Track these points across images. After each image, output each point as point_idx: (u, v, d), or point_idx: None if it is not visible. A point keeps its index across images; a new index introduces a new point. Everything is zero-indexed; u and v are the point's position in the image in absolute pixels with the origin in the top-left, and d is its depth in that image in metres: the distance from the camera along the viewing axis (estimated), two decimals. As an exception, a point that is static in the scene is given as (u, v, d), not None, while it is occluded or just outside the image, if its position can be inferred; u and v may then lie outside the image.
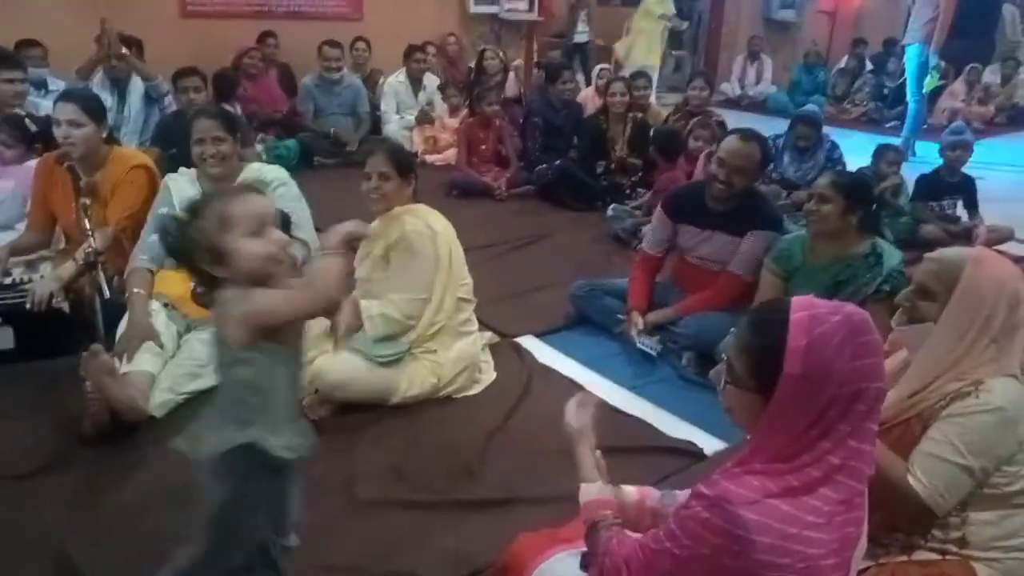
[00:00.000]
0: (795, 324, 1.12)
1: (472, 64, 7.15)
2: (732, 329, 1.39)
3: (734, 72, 10.26)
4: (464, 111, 6.17)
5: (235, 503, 1.47)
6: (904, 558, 1.59)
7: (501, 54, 7.02)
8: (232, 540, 1.50)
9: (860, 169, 4.66)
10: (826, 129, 5.31)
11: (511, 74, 6.89)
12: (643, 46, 8.01)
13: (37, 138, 3.43)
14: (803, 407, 1.11)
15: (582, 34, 8.85)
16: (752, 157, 3.00)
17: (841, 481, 1.12)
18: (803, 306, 1.14)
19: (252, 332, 1.39)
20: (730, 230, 3.07)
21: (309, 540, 2.01)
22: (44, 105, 4.08)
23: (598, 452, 1.50)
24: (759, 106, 9.68)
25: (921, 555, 1.58)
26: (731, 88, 10.14)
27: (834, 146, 5.12)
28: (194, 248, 1.43)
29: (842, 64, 10.24)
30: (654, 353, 3.05)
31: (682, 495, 1.58)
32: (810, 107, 5.59)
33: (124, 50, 4.98)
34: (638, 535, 1.33)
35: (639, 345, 3.07)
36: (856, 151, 5.58)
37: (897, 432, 1.61)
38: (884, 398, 1.15)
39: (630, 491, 1.55)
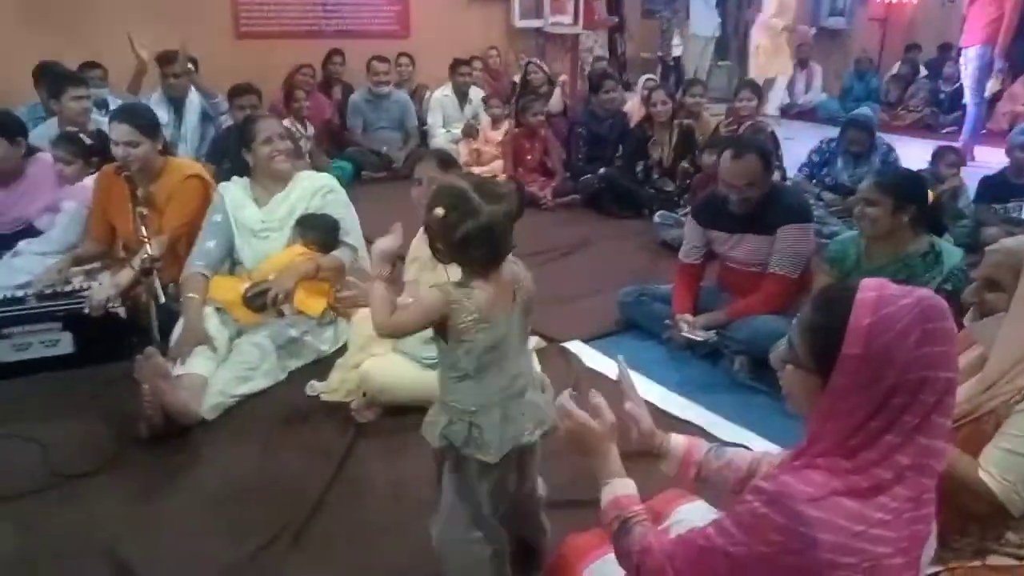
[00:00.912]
0: (860, 303, 1.06)
1: (516, 78, 7.18)
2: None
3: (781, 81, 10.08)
4: (506, 124, 6.21)
5: None
6: (977, 563, 1.51)
7: (545, 67, 7.04)
8: None
9: (919, 171, 4.52)
10: (879, 136, 5.17)
11: (556, 89, 6.90)
12: (762, 61, 8.43)
13: (93, 152, 3.53)
14: (863, 392, 1.05)
15: (678, 47, 8.87)
16: (753, 169, 2.95)
17: (911, 478, 1.06)
18: (872, 287, 1.09)
19: None
20: (759, 230, 3.02)
21: (357, 541, 2.02)
22: (106, 123, 4.22)
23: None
24: (809, 114, 9.51)
25: (995, 560, 1.50)
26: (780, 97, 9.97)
27: (889, 149, 4.97)
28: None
29: (895, 70, 10.00)
30: (702, 339, 3.00)
31: (733, 451, 1.53)
32: (863, 110, 5.44)
33: (190, 66, 5.11)
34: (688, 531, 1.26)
35: (687, 335, 3.02)
36: (911, 157, 5.42)
37: (968, 429, 1.53)
38: (955, 390, 1.08)
39: (678, 441, 1.52)
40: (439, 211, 1.50)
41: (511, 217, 1.53)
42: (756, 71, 8.46)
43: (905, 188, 2.64)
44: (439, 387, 1.66)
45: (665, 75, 8.38)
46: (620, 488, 1.32)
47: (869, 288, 1.08)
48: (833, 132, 5.46)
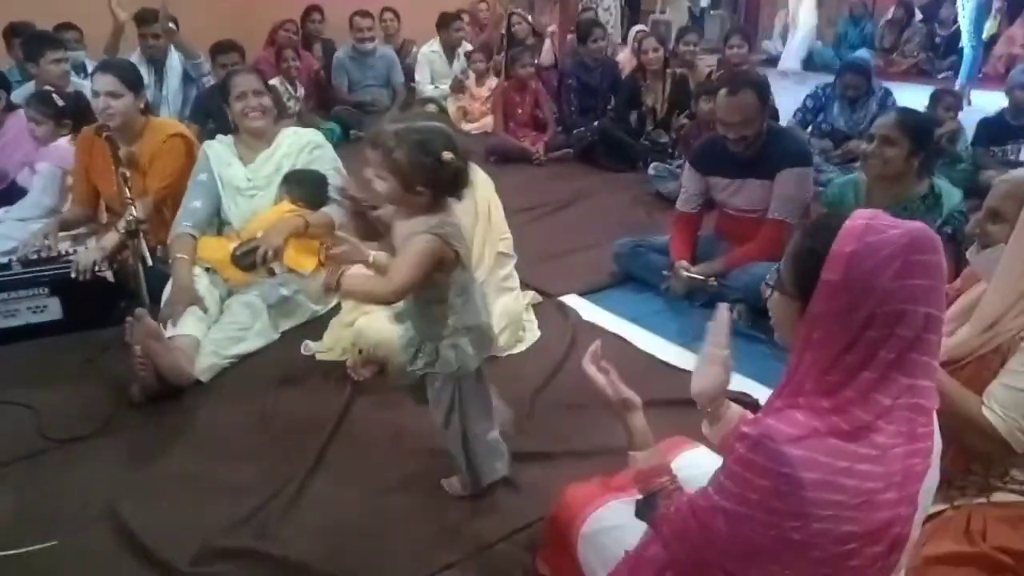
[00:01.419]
0: (847, 230, 1.03)
1: (504, 31, 7.02)
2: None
3: (776, 29, 9.93)
4: (490, 79, 6.09)
5: None
6: (982, 500, 1.49)
7: (528, 17, 6.88)
8: None
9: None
10: (876, 80, 5.08)
11: (547, 40, 6.75)
12: (808, 7, 8.57)
13: (65, 113, 3.44)
14: (838, 321, 1.02)
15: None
16: (748, 105, 2.89)
17: (897, 417, 1.03)
18: (864, 216, 1.05)
19: None
20: (759, 175, 2.98)
21: (358, 497, 2.01)
22: (85, 86, 4.11)
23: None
24: (803, 62, 9.36)
25: (1000, 496, 1.49)
26: (774, 45, 9.82)
27: (887, 94, 4.91)
28: None
29: (889, 15, 9.84)
30: (703, 278, 3.00)
31: None
32: (860, 53, 5.34)
33: (172, 25, 4.96)
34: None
35: (689, 273, 3.00)
36: (907, 103, 5.30)
37: (972, 368, 1.50)
38: (939, 328, 1.04)
39: (734, 412, 1.48)
40: (448, 155, 1.60)
41: None
42: (805, 19, 8.38)
43: (923, 130, 2.61)
44: (447, 324, 1.72)
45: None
46: (641, 461, 1.33)
47: (860, 216, 1.05)
48: (828, 80, 5.36)
